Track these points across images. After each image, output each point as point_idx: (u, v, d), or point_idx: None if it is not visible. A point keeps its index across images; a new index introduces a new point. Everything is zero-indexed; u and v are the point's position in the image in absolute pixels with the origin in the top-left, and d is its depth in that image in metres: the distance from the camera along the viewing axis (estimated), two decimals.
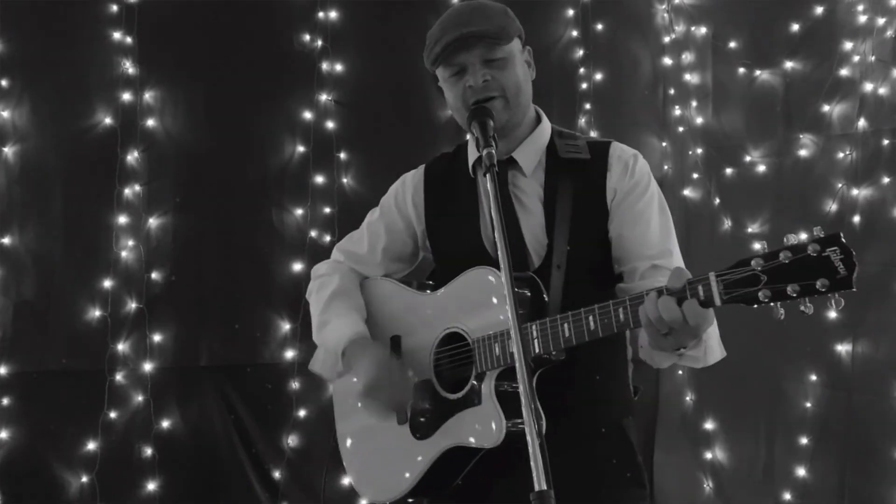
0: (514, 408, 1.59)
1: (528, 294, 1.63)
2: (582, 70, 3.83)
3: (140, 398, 3.53)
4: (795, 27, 3.41)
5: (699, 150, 3.73)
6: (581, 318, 1.49)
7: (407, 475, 1.77)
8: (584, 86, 3.83)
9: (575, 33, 3.84)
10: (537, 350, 1.55)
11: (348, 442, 1.96)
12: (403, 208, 1.94)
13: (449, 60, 1.73)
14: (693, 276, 1.38)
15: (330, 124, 3.69)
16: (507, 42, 1.73)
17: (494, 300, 1.65)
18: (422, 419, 1.76)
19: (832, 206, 3.20)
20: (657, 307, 1.37)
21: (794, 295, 1.25)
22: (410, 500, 1.81)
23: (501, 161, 1.72)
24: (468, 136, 1.83)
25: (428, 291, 1.86)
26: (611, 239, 1.75)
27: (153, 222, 3.60)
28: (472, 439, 1.64)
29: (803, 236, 1.27)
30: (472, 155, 1.85)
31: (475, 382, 1.67)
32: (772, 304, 1.28)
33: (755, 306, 1.30)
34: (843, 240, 1.23)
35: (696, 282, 1.36)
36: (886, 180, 3.08)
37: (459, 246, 1.83)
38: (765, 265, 1.28)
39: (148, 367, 3.54)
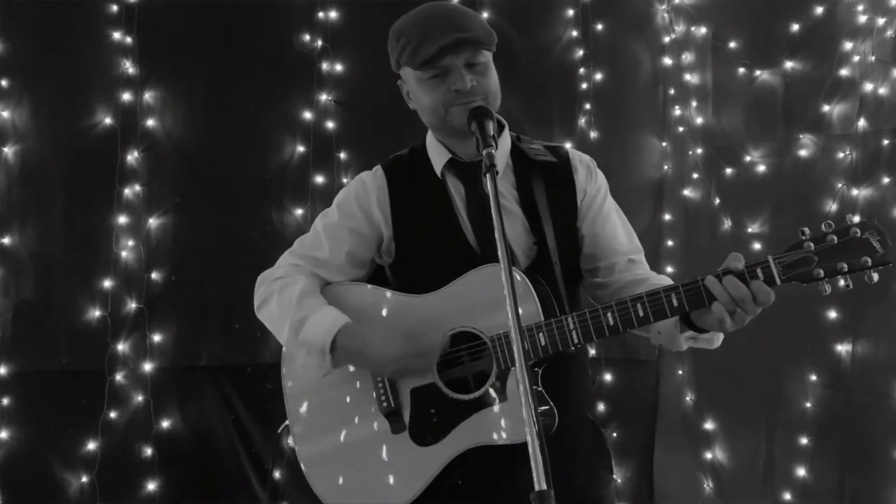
0: (540, 400, 1.65)
1: (549, 291, 1.69)
2: (582, 70, 3.83)
3: (140, 398, 3.53)
4: (795, 27, 3.40)
5: (699, 150, 3.72)
6: (628, 306, 1.57)
7: (411, 485, 1.73)
8: (584, 86, 3.83)
9: (575, 33, 3.84)
10: (576, 341, 1.61)
11: (322, 459, 1.84)
12: (368, 211, 1.88)
13: (434, 63, 1.72)
14: (725, 266, 1.53)
15: (330, 124, 3.69)
16: (491, 49, 1.76)
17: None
18: (425, 425, 1.73)
19: (832, 206, 3.20)
20: (726, 288, 1.50)
21: (845, 271, 1.47)
22: None
23: (474, 163, 1.78)
24: (429, 136, 1.87)
25: (417, 294, 1.79)
26: (582, 237, 1.84)
27: (153, 222, 3.60)
28: (500, 436, 1.64)
29: (825, 227, 1.48)
30: (439, 155, 1.85)
31: (496, 380, 1.67)
32: (825, 280, 1.48)
33: (808, 283, 1.50)
34: (878, 224, 1.47)
35: (754, 265, 1.51)
36: (886, 180, 3.08)
37: (441, 248, 1.81)
38: (816, 247, 1.48)
39: (148, 367, 3.54)
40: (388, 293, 1.84)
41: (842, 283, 1.48)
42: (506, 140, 1.86)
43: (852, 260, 1.47)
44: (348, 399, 1.82)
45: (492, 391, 1.67)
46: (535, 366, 1.67)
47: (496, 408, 1.66)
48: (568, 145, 2.09)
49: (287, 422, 1.90)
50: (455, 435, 1.70)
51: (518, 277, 1.65)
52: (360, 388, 1.80)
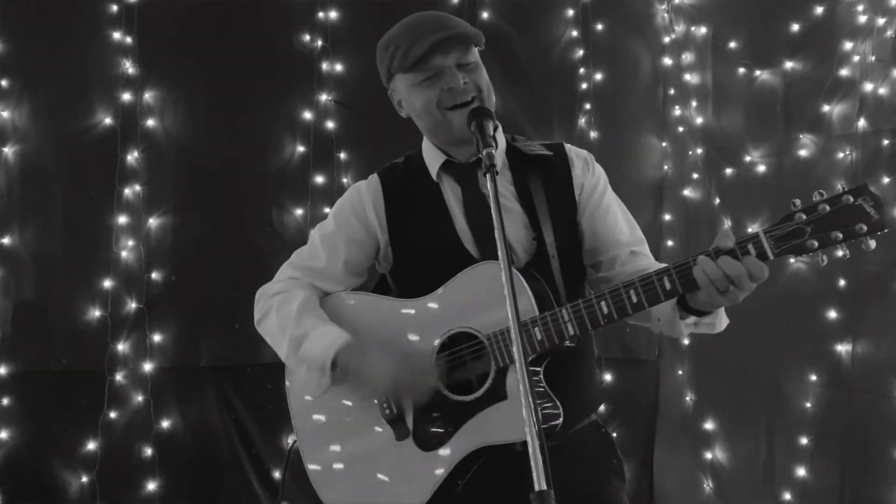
0: (542, 397, 1.64)
1: (544, 285, 1.68)
2: (582, 70, 3.83)
3: (140, 398, 3.53)
4: (795, 27, 3.40)
5: (699, 150, 3.72)
6: (621, 293, 1.54)
7: (420, 490, 1.72)
8: (584, 86, 3.83)
9: (575, 33, 3.84)
10: (572, 332, 1.59)
11: (331, 469, 1.83)
12: (364, 218, 1.89)
13: (424, 65, 1.74)
14: (716, 244, 1.49)
15: (330, 124, 3.69)
16: (479, 46, 1.79)
17: (503, 294, 1.65)
18: (429, 429, 1.73)
19: None
20: (718, 266, 1.46)
21: (839, 240, 1.41)
22: None
23: (471, 163, 1.80)
24: (425, 142, 1.88)
25: (412, 299, 1.79)
26: (582, 232, 1.83)
27: (153, 222, 3.60)
28: (506, 435, 1.63)
29: (817, 196, 1.45)
30: (434, 159, 1.86)
31: (496, 378, 1.67)
32: (819, 251, 1.42)
33: (804, 256, 1.44)
34: (872, 189, 1.41)
35: (745, 240, 1.47)
36: (886, 180, 3.08)
37: (437, 250, 1.81)
38: (808, 217, 1.43)
39: (148, 367, 3.54)
40: (384, 300, 1.85)
41: (839, 252, 1.43)
42: (501, 140, 1.86)
43: (846, 228, 1.41)
44: (351, 409, 1.82)
45: (492, 390, 1.67)
46: (534, 363, 1.66)
47: (497, 407, 1.66)
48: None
49: (294, 437, 1.91)
50: (459, 437, 1.69)
51: (498, 274, 1.65)
52: (363, 397, 1.80)
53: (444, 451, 1.71)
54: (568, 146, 1.90)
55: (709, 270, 1.47)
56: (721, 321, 1.68)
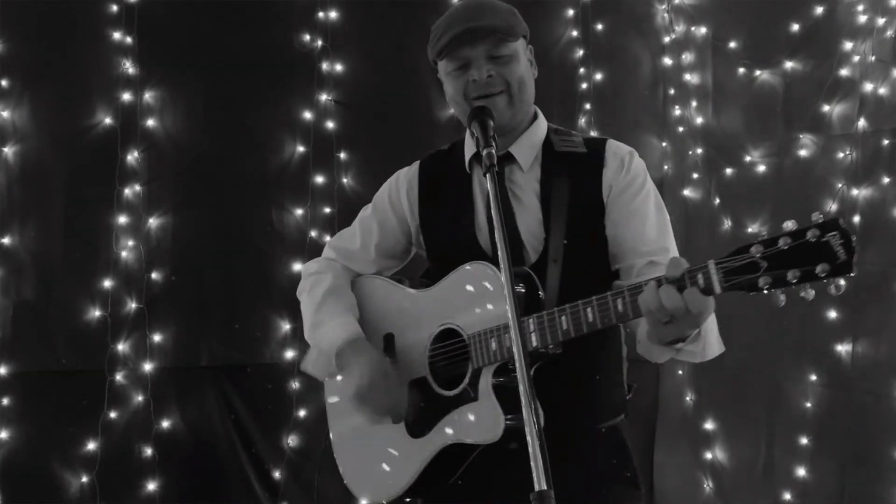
0: (511, 403, 1.59)
1: (523, 289, 1.62)
2: (582, 70, 3.83)
3: (140, 398, 3.53)
4: (795, 27, 3.40)
5: (699, 150, 3.72)
6: (579, 310, 1.48)
7: (403, 474, 1.76)
8: (584, 86, 3.83)
9: (575, 33, 3.84)
10: (535, 344, 1.54)
11: (342, 442, 1.95)
12: (397, 204, 1.94)
13: (454, 53, 1.73)
14: (691, 265, 1.37)
15: (330, 124, 3.69)
16: (514, 40, 1.75)
17: (489, 295, 1.64)
18: (417, 417, 1.75)
19: (832, 206, 3.20)
20: (658, 296, 1.36)
21: (795, 281, 1.25)
22: (408, 500, 1.80)
23: (499, 156, 1.70)
24: (467, 132, 1.83)
25: (421, 289, 1.84)
26: (607, 236, 1.75)
27: (153, 222, 3.60)
28: (469, 435, 1.64)
29: (795, 223, 1.27)
30: (469, 150, 1.85)
31: (471, 378, 1.66)
32: (772, 290, 1.27)
33: (755, 293, 1.29)
34: (843, 225, 1.22)
35: (695, 270, 1.34)
36: (886, 180, 3.08)
37: (453, 242, 1.82)
38: (764, 251, 1.27)
39: (148, 367, 3.54)
40: (395, 288, 1.89)
41: (801, 294, 1.27)
42: (537, 131, 1.83)
43: (806, 267, 1.23)
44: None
45: (466, 390, 1.67)
46: (508, 366, 1.62)
47: (467, 407, 1.66)
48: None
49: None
50: (437, 430, 1.71)
51: (487, 275, 1.64)
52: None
53: (425, 441, 1.73)
54: (611, 143, 1.81)
55: (650, 299, 1.37)
56: (708, 349, 1.60)
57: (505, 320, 1.58)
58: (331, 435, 1.97)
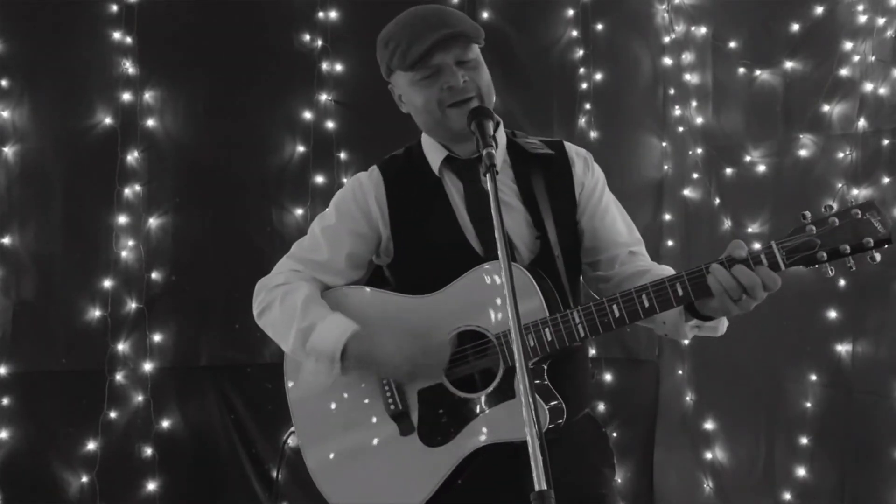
0: (547, 394, 1.66)
1: (551, 285, 1.69)
2: (582, 70, 3.83)
3: (140, 398, 3.53)
4: (795, 27, 3.40)
5: (699, 150, 3.72)
6: (632, 297, 1.57)
7: (422, 487, 1.72)
8: (584, 86, 3.83)
9: (575, 33, 3.84)
10: (582, 334, 1.61)
11: (328, 466, 1.83)
12: (366, 211, 1.87)
13: (424, 63, 1.72)
14: (728, 253, 1.52)
15: (330, 124, 3.69)
16: (479, 43, 1.76)
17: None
18: (434, 425, 1.73)
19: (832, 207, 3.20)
20: (732, 275, 1.49)
21: (848, 252, 1.46)
22: None
23: (471, 160, 1.80)
24: (423, 136, 1.88)
25: (419, 295, 1.78)
26: (582, 230, 1.85)
27: (153, 222, 3.60)
28: (513, 433, 1.64)
29: (834, 205, 1.50)
30: (435, 153, 1.85)
31: (504, 378, 1.67)
32: (828, 263, 1.48)
33: (813, 267, 1.49)
34: (877, 205, 1.46)
35: (758, 251, 1.51)
36: (886, 180, 3.08)
37: (439, 246, 1.80)
38: (818, 230, 1.48)
39: (148, 367, 3.54)
40: (389, 295, 1.84)
41: (847, 264, 1.48)
42: (501, 136, 1.86)
43: (854, 241, 1.46)
44: (354, 403, 1.81)
45: (500, 389, 1.67)
46: (541, 361, 1.67)
47: (504, 405, 1.66)
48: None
49: (292, 428, 1.90)
50: (465, 434, 1.70)
51: (521, 273, 1.65)
52: (366, 391, 1.80)
53: (448, 448, 1.71)
54: (568, 144, 1.90)
55: (723, 279, 1.50)
56: (723, 324, 1.70)
57: (537, 316, 1.63)
58: (311, 461, 1.85)
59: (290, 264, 1.92)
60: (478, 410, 1.69)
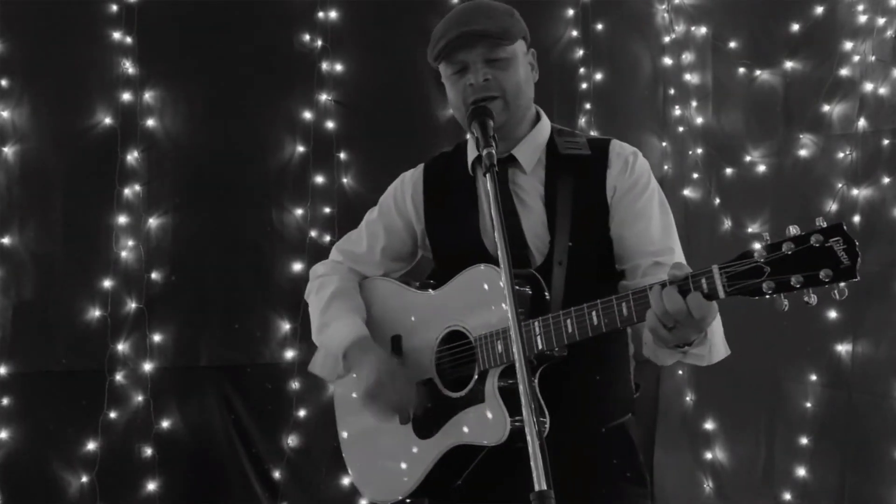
0: (517, 405, 1.53)
1: (529, 291, 1.63)
2: (582, 70, 3.83)
3: (140, 398, 3.53)
4: (795, 27, 3.41)
5: (699, 150, 3.73)
6: (584, 313, 1.49)
7: (410, 474, 1.77)
8: (584, 86, 3.83)
9: (575, 33, 3.84)
10: (540, 347, 1.55)
11: (350, 442, 1.96)
12: (402, 207, 1.94)
13: (451, 58, 1.73)
14: (694, 269, 1.37)
15: (330, 124, 3.68)
16: (510, 43, 1.73)
17: (494, 298, 1.65)
18: (425, 418, 1.76)
19: (832, 206, 3.20)
20: (661, 300, 1.36)
21: (798, 286, 1.25)
22: (408, 501, 1.81)
23: (501, 159, 1.72)
24: (468, 135, 1.83)
25: (428, 290, 1.85)
26: (612, 237, 1.75)
27: (153, 222, 3.60)
28: (475, 437, 1.65)
29: (798, 228, 1.27)
30: (472, 153, 1.85)
31: (478, 380, 1.67)
32: (775, 295, 1.28)
33: (758, 298, 1.30)
34: (846, 230, 1.22)
35: (699, 275, 1.34)
36: (886, 180, 3.08)
37: (458, 244, 1.83)
38: (768, 256, 1.27)
39: (148, 367, 3.54)
40: (405, 290, 1.89)
41: (805, 298, 1.27)
42: (540, 133, 1.82)
43: (809, 273, 1.23)
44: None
45: (472, 392, 1.68)
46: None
47: (474, 408, 1.66)
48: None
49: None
50: (443, 432, 1.72)
51: (492, 277, 1.64)
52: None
53: (432, 442, 1.74)
54: (614, 143, 1.80)
55: (653, 303, 1.37)
56: (714, 352, 1.60)
57: (505, 324, 1.59)
58: (341, 434, 1.98)
59: (334, 254, 2.04)
60: (454, 410, 1.70)
